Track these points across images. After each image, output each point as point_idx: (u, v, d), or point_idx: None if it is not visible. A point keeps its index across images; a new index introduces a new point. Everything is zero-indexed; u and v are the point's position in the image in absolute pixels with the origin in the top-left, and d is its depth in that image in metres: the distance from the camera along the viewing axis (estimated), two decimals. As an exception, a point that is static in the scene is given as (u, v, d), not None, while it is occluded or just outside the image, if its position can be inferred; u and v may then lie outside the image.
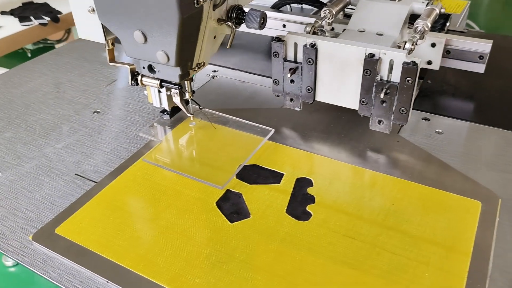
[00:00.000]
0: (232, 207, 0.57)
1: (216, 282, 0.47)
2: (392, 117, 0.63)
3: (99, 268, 0.50)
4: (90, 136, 0.71)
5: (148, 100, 0.68)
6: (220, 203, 0.57)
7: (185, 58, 0.56)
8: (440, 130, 0.69)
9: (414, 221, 0.53)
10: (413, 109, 0.65)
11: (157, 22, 0.53)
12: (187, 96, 0.63)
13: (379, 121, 0.64)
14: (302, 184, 0.59)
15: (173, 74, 0.58)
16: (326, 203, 0.56)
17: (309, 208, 0.56)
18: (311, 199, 0.57)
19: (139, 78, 0.62)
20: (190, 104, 0.66)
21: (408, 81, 0.59)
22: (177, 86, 0.61)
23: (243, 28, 0.64)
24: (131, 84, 0.63)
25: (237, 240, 0.52)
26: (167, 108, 0.68)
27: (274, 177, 0.61)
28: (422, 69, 0.63)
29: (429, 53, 0.73)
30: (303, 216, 0.55)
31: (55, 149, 0.67)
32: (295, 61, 0.66)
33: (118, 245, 0.52)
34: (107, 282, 0.49)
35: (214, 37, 0.61)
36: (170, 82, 0.61)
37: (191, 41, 0.56)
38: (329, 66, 0.64)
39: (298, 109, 0.70)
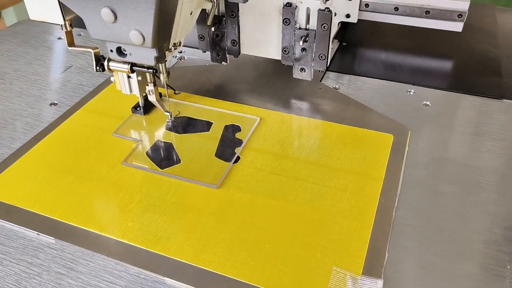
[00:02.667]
0: (162, 155, 0.58)
1: (149, 224, 0.49)
2: (312, 64, 0.66)
3: (29, 223, 0.50)
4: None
5: (116, 87, 0.61)
6: (150, 153, 0.58)
7: (162, 38, 0.50)
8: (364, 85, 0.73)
9: (333, 155, 0.57)
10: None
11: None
12: (162, 79, 0.59)
13: (301, 69, 0.67)
14: (231, 130, 0.62)
15: (148, 56, 0.50)
16: (253, 146, 0.59)
17: (237, 150, 0.58)
18: (239, 143, 0.60)
19: (105, 63, 0.55)
20: (167, 99, 0.64)
21: (324, 27, 0.62)
22: (151, 70, 0.55)
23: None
24: (96, 70, 0.56)
25: (168, 184, 0.54)
26: (138, 95, 0.61)
27: (203, 125, 0.63)
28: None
29: (347, 5, 0.77)
30: (231, 158, 0.57)
31: (9, 149, 0.60)
32: (218, 15, 0.67)
33: (48, 199, 0.52)
34: (38, 234, 0.49)
35: (191, 13, 0.55)
36: (143, 66, 0.54)
37: (169, 17, 0.49)
38: (251, 18, 0.66)
39: (225, 63, 0.72)
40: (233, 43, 0.69)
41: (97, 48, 0.56)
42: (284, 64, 0.68)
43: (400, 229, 0.49)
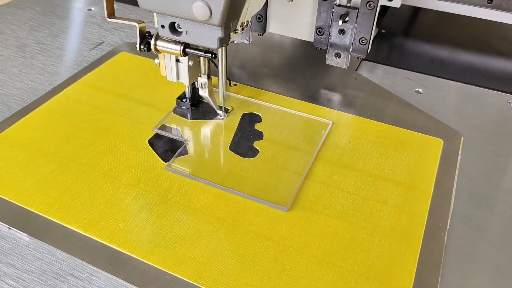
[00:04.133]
0: (167, 144, 0.49)
1: (144, 226, 0.40)
2: (351, 49, 0.56)
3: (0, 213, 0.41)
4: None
5: (161, 73, 0.50)
6: (153, 141, 0.49)
7: (232, 15, 0.40)
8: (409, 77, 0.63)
9: (371, 159, 0.48)
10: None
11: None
12: (220, 68, 0.49)
13: (337, 54, 0.58)
14: (249, 119, 0.52)
15: (210, 37, 0.41)
16: (275, 139, 0.50)
17: (256, 144, 0.49)
18: (259, 135, 0.50)
19: (152, 41, 0.45)
20: (224, 94, 0.51)
21: (369, 5, 0.52)
22: (209, 55, 0.44)
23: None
24: (140, 50, 0.45)
25: (171, 180, 0.45)
26: (186, 83, 0.50)
27: (217, 112, 0.53)
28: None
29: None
30: (249, 152, 0.48)
31: None
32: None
33: (25, 187, 0.43)
34: (9, 228, 0.40)
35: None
36: (198, 48, 0.44)
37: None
38: (282, -11, 0.56)
39: (248, 42, 0.62)
40: (259, 18, 0.59)
41: (143, 22, 0.45)
42: (316, 48, 0.58)
43: (455, 258, 0.39)
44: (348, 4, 0.54)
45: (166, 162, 0.46)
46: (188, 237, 0.39)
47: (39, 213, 0.41)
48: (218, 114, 0.52)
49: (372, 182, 0.45)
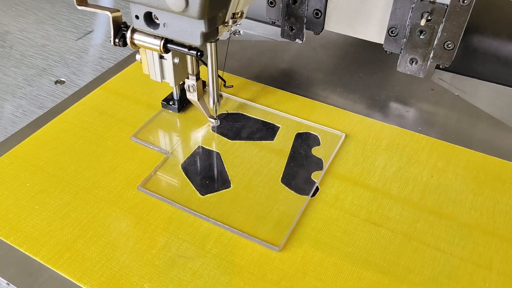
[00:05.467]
0: (205, 171, 0.40)
1: (176, 289, 0.31)
2: (432, 55, 0.45)
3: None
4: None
5: (143, 70, 0.43)
6: (187, 166, 0.40)
7: (216, 5, 0.33)
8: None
9: (464, 201, 0.37)
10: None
11: None
12: (210, 66, 0.41)
13: (412, 60, 0.47)
14: (305, 141, 0.42)
15: (191, 31, 0.34)
16: (338, 171, 0.40)
17: (314, 176, 0.39)
18: (317, 164, 0.40)
19: (127, 34, 0.37)
20: (214, 98, 0.42)
21: (464, 1, 0.41)
22: (194, 52, 0.36)
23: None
24: (115, 44, 0.38)
25: (209, 223, 0.35)
26: (172, 84, 0.42)
27: (266, 130, 0.44)
28: None
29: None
30: (307, 188, 0.38)
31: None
32: (299, -29, 0.47)
33: (31, 226, 0.35)
34: (7, 284, 0.32)
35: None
36: (183, 45, 0.36)
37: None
38: (348, -21, 0.45)
39: (300, 42, 0.52)
40: (316, 14, 0.49)
41: (119, 11, 0.38)
42: (386, 51, 0.47)
43: None
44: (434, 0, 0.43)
45: (203, 195, 0.37)
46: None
47: (45, 264, 0.33)
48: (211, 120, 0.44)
49: (467, 235, 0.35)
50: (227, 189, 0.38)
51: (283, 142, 0.42)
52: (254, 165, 0.40)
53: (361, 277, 0.32)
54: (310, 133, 0.43)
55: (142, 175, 0.39)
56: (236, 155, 0.41)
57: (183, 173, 0.39)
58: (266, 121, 0.45)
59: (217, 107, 0.44)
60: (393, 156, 0.41)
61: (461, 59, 0.56)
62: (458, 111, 0.47)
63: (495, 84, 0.51)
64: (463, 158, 0.41)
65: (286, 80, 0.51)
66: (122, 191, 0.38)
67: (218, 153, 0.41)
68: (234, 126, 0.44)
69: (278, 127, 0.44)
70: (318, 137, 0.43)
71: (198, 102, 0.42)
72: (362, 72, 0.52)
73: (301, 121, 0.45)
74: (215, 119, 0.44)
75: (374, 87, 0.50)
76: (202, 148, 0.42)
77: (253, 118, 0.45)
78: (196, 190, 0.38)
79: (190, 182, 0.39)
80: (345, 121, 0.45)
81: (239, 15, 0.37)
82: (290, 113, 0.45)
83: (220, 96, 0.43)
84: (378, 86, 0.50)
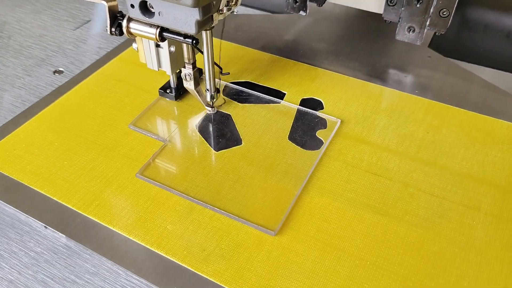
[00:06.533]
0: (218, 131, 0.43)
1: (196, 230, 0.35)
2: (428, 22, 0.48)
3: (35, 209, 0.36)
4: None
5: (140, 59, 0.43)
6: (203, 126, 0.43)
7: None
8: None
9: (457, 154, 0.41)
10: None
11: None
12: (206, 56, 0.40)
13: (409, 28, 0.49)
14: (310, 105, 0.46)
15: (186, 19, 0.34)
16: (341, 130, 0.43)
17: (319, 134, 0.42)
18: (322, 124, 0.43)
19: (123, 23, 0.38)
20: (212, 88, 0.43)
21: (457, -31, 0.44)
22: (190, 40, 0.37)
23: None
24: (111, 33, 0.38)
25: (224, 173, 0.39)
26: (169, 72, 0.43)
27: (273, 96, 0.47)
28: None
29: None
30: (312, 144, 0.41)
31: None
32: None
33: (62, 179, 0.38)
34: (45, 227, 0.36)
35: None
36: (178, 33, 0.37)
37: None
38: (349, -49, 0.48)
39: (304, 14, 0.55)
40: (319, -14, 0.51)
41: (115, 0, 0.38)
42: (385, 20, 0.50)
43: None
44: (429, -32, 0.45)
45: (217, 151, 0.41)
46: (247, 244, 0.34)
47: (77, 210, 0.36)
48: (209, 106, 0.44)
49: (459, 182, 0.38)
50: (238, 146, 0.41)
51: (289, 106, 0.46)
52: (263, 125, 0.43)
53: (362, 219, 0.35)
54: (315, 98, 0.47)
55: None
56: (246, 116, 0.44)
57: (198, 132, 0.43)
58: (272, 88, 0.48)
59: (215, 98, 0.44)
60: (391, 116, 0.44)
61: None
62: (453, 76, 0.50)
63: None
64: (456, 117, 0.44)
65: (291, 50, 0.54)
66: (142, 148, 0.41)
67: (229, 115, 0.44)
68: (244, 92, 0.47)
69: (284, 94, 0.47)
70: (322, 102, 0.46)
71: (194, 90, 0.43)
72: (363, 42, 0.55)
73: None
74: (212, 107, 0.44)
75: (375, 55, 0.53)
76: (215, 111, 0.45)
77: (261, 85, 0.48)
78: (210, 147, 0.41)
79: (204, 140, 0.42)
80: (347, 86, 0.48)
81: (233, 3, 0.37)
82: (295, 80, 0.49)
83: (217, 90, 0.44)
84: (378, 54, 0.53)
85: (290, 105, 0.45)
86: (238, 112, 0.45)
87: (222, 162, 0.40)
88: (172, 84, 0.46)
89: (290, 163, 0.40)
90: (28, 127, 0.43)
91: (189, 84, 0.42)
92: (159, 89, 0.46)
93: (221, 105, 0.45)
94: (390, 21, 0.50)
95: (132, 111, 0.45)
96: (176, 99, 0.46)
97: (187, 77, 0.42)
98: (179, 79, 0.45)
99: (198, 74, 0.43)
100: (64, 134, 0.42)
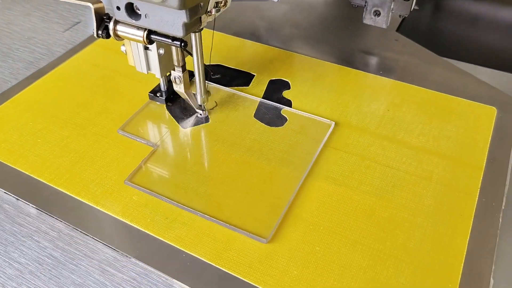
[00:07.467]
0: (186, 110, 0.45)
1: (160, 200, 0.37)
2: (392, 6, 0.50)
3: (7, 183, 0.38)
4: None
5: (129, 62, 0.42)
6: (172, 107, 0.45)
7: None
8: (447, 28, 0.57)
9: (413, 129, 0.42)
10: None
11: None
12: (196, 58, 0.40)
13: (375, 12, 0.51)
14: (277, 86, 0.47)
15: (173, 22, 0.33)
16: (305, 108, 0.45)
17: (284, 112, 0.44)
18: (287, 103, 0.45)
19: (110, 25, 0.37)
20: (202, 91, 0.42)
21: (416, -47, 0.46)
22: (178, 43, 0.36)
23: None
24: (97, 36, 0.37)
25: (191, 148, 0.41)
26: (158, 75, 0.41)
27: (242, 78, 0.49)
28: None
29: None
30: (277, 121, 0.43)
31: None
32: None
33: (35, 155, 0.40)
34: (17, 199, 0.37)
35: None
36: (167, 35, 0.36)
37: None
38: None
39: (276, 0, 0.56)
40: (289, -27, 0.53)
41: (100, 1, 0.37)
42: (353, 5, 0.52)
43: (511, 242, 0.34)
44: (391, -47, 0.47)
45: (185, 128, 0.43)
46: (208, 212, 0.36)
47: (48, 184, 0.38)
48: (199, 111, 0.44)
49: (414, 155, 0.40)
50: (206, 123, 0.43)
51: (258, 87, 0.47)
52: (230, 105, 0.45)
53: (319, 189, 0.37)
54: (282, 79, 0.48)
55: (129, 115, 0.44)
56: (214, 98, 0.46)
57: (168, 112, 0.44)
58: (242, 70, 0.49)
59: (206, 101, 0.43)
60: (355, 95, 0.46)
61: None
62: (418, 58, 0.52)
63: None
64: (417, 95, 0.46)
65: (264, 35, 0.55)
66: (113, 126, 0.43)
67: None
68: (214, 76, 0.48)
69: (253, 75, 0.49)
70: (289, 82, 0.48)
71: (185, 94, 0.42)
72: (333, 27, 0.57)
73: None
74: (203, 110, 0.44)
75: (344, 39, 0.55)
76: (206, 114, 0.44)
77: (231, 67, 0.50)
78: (177, 124, 0.43)
79: (173, 119, 0.44)
80: (315, 68, 0.50)
81: (222, 4, 0.36)
82: (265, 63, 0.50)
83: (208, 92, 0.43)
84: (348, 39, 0.55)
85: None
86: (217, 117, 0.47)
87: (191, 139, 0.42)
88: (163, 88, 0.45)
89: (254, 138, 0.41)
90: (3, 108, 0.45)
91: (179, 87, 0.42)
92: (149, 92, 0.45)
93: (212, 108, 0.45)
94: (357, 5, 0.52)
95: (106, 93, 0.47)
96: (166, 103, 0.45)
97: (177, 80, 0.41)
98: (169, 82, 0.44)
99: (189, 77, 0.42)
100: (39, 115, 0.44)
